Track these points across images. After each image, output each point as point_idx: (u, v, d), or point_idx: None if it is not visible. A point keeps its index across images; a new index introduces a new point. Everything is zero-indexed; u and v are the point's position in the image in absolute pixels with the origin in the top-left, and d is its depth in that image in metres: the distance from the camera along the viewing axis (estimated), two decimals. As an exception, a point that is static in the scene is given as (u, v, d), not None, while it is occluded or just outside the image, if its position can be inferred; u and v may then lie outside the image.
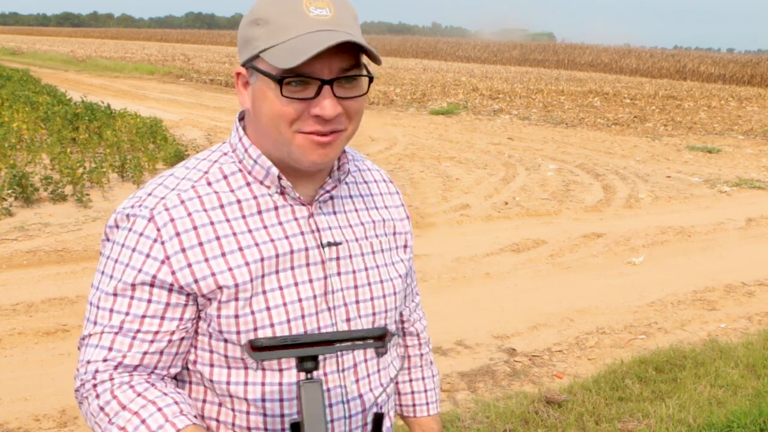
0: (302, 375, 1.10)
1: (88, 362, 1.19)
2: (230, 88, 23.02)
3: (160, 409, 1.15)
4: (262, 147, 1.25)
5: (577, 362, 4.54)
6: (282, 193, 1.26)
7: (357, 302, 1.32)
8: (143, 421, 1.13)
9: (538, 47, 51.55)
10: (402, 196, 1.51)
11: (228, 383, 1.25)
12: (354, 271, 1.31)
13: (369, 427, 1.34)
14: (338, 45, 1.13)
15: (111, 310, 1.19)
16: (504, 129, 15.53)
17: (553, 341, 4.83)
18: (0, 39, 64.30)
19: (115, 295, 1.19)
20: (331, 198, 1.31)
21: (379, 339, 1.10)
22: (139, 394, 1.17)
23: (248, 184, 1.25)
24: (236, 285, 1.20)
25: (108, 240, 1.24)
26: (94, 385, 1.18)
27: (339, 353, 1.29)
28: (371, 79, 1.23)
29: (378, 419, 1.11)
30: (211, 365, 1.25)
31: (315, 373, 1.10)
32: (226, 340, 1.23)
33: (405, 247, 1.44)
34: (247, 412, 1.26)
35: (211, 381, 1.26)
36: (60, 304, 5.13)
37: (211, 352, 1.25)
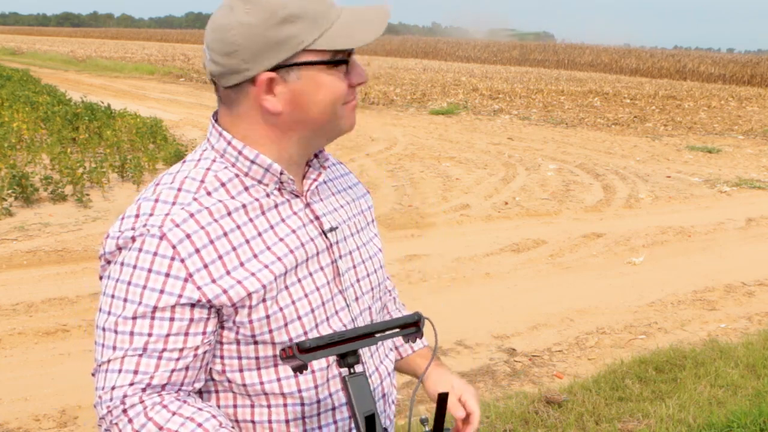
0: (344, 370, 1.12)
1: (113, 388, 1.15)
2: (230, 88, 23.00)
3: (200, 425, 1.14)
4: (258, 146, 1.24)
5: (577, 362, 4.54)
6: (279, 189, 1.27)
7: (359, 280, 1.36)
8: None
9: (538, 47, 51.56)
10: (355, 175, 1.54)
11: (261, 383, 1.26)
12: (350, 252, 1.35)
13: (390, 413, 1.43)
14: None
15: (131, 333, 1.15)
16: (504, 129, 15.53)
17: (553, 341, 4.83)
18: (0, 39, 64.28)
19: (134, 318, 1.15)
20: (317, 186, 1.34)
21: (414, 325, 1.15)
22: (174, 413, 1.15)
23: (246, 189, 1.24)
24: (264, 287, 1.20)
25: (111, 263, 1.19)
26: (124, 410, 1.15)
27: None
28: None
29: (443, 399, 1.21)
30: (241, 370, 1.25)
31: (356, 367, 1.12)
32: (256, 342, 1.23)
33: (372, 221, 1.49)
34: (285, 405, 1.27)
35: (244, 385, 1.25)
36: (60, 304, 5.13)
37: (240, 358, 1.25)
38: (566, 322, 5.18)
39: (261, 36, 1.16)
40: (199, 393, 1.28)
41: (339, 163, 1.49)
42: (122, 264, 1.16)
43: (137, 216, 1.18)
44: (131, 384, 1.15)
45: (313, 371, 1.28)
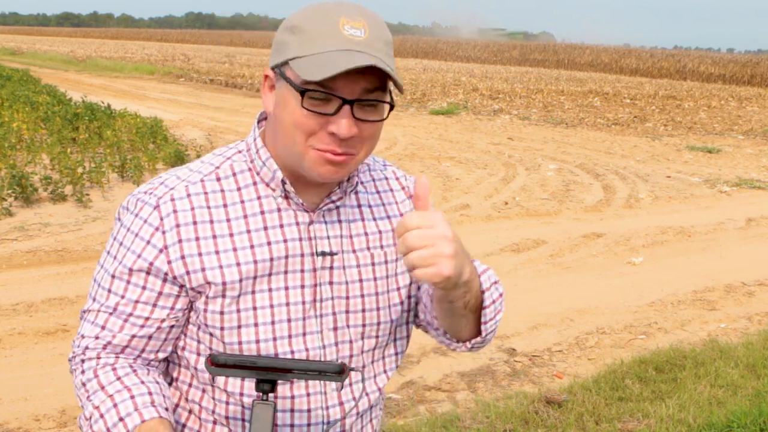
0: (258, 394, 1.13)
1: (83, 337, 1.26)
2: (230, 88, 23.04)
3: (132, 397, 1.20)
4: (274, 150, 1.26)
5: (577, 362, 4.54)
6: (286, 198, 1.27)
7: (347, 312, 1.32)
8: (114, 405, 1.19)
9: (538, 47, 51.57)
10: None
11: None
12: (347, 282, 1.32)
13: None
14: (365, 68, 1.14)
15: (108, 291, 1.25)
16: (504, 129, 15.53)
17: (553, 341, 4.83)
18: (0, 39, 64.32)
19: (113, 277, 1.24)
20: (337, 207, 1.32)
21: (337, 374, 1.11)
22: (118, 378, 1.23)
23: (255, 183, 1.28)
24: (224, 283, 1.23)
25: (118, 220, 1.29)
26: (82, 361, 1.26)
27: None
28: (392, 107, 1.24)
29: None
30: (198, 354, 1.29)
31: (270, 394, 1.12)
32: (211, 334, 1.27)
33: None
34: (227, 402, 1.30)
35: (196, 369, 1.30)
36: (60, 304, 5.13)
37: (198, 342, 1.29)
38: (566, 322, 5.18)
39: (278, 34, 1.23)
40: (166, 362, 1.34)
41: (400, 189, 1.42)
42: (121, 225, 1.27)
43: (154, 184, 1.28)
44: (96, 337, 1.25)
45: None
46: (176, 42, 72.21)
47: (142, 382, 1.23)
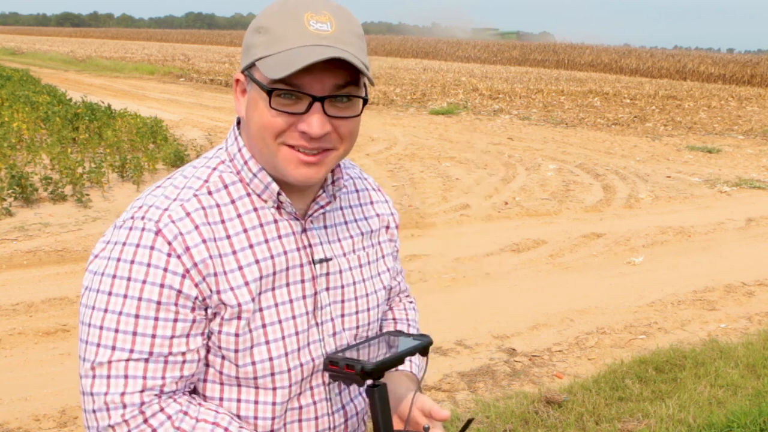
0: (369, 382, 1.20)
1: (123, 394, 1.12)
2: (230, 88, 23.02)
3: (226, 429, 1.17)
4: (258, 159, 1.22)
5: (577, 362, 4.54)
6: (278, 208, 1.24)
7: (342, 316, 1.32)
8: None
9: (538, 47, 51.56)
10: (392, 204, 1.49)
11: (221, 399, 1.24)
12: (342, 286, 1.32)
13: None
14: (334, 62, 1.11)
15: (134, 334, 1.12)
16: (504, 129, 15.53)
17: (553, 341, 4.83)
18: (0, 39, 64.30)
19: (137, 316, 1.12)
20: (324, 212, 1.30)
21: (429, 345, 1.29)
22: (197, 419, 1.16)
23: (248, 194, 1.23)
24: (239, 305, 1.18)
25: (102, 258, 1.16)
26: (146, 420, 1.13)
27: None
28: (365, 101, 1.21)
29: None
30: (205, 380, 1.24)
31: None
32: (223, 357, 1.21)
33: (391, 254, 1.45)
34: None
35: (204, 396, 1.24)
36: (60, 304, 5.13)
37: (207, 366, 1.23)
38: (566, 322, 5.18)
39: (246, 37, 1.20)
40: None
41: (377, 190, 1.44)
42: (117, 260, 1.14)
43: (139, 207, 1.18)
44: (142, 391, 1.13)
45: (273, 403, 1.25)
46: (176, 42, 72.22)
47: (218, 412, 1.19)
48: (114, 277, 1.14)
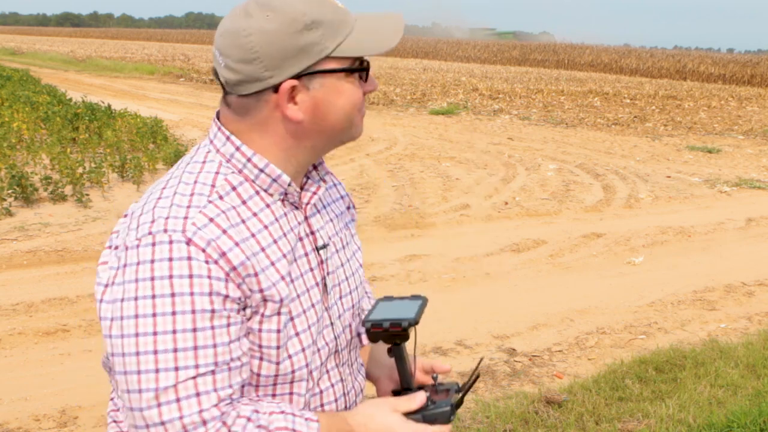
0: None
1: (201, 412, 1.08)
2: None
3: (293, 413, 1.17)
4: (267, 154, 1.22)
5: (577, 362, 4.54)
6: (282, 200, 1.25)
7: (341, 297, 1.36)
8: (294, 430, 1.15)
9: (538, 47, 51.55)
10: (344, 187, 1.53)
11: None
12: (336, 269, 1.35)
13: None
14: None
15: (195, 348, 1.08)
16: (504, 129, 15.53)
17: (553, 341, 4.83)
18: (0, 39, 64.30)
19: (194, 330, 1.08)
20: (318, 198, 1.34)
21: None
22: (269, 413, 1.16)
23: (257, 192, 1.21)
24: (281, 300, 1.18)
25: (125, 282, 1.10)
26: (230, 430, 1.11)
27: (340, 348, 1.35)
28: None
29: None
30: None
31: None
32: (261, 358, 1.20)
33: (355, 235, 1.50)
34: None
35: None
36: (60, 304, 5.13)
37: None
38: (566, 322, 5.18)
39: (283, 43, 1.14)
40: None
41: (330, 173, 1.46)
42: (152, 278, 1.08)
43: (152, 222, 1.12)
44: (218, 403, 1.10)
45: (305, 393, 1.27)
46: (176, 42, 72.17)
47: (274, 402, 1.20)
48: (153, 297, 1.08)
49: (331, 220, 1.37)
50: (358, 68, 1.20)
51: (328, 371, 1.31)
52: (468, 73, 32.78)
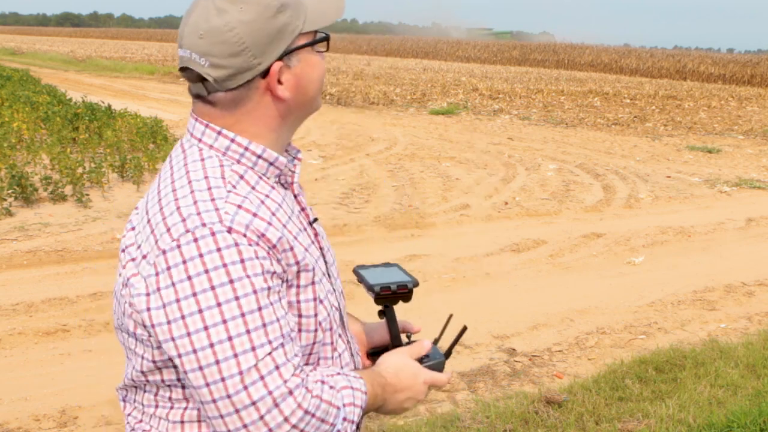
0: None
1: (285, 383, 1.13)
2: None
3: (346, 375, 1.27)
4: (260, 140, 1.27)
5: (577, 362, 4.54)
6: (277, 182, 1.31)
7: (332, 264, 1.44)
8: (352, 387, 1.25)
9: (538, 47, 51.54)
10: None
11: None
12: (323, 237, 1.43)
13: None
14: None
15: (264, 325, 1.13)
16: (504, 129, 15.53)
17: (553, 341, 4.83)
18: (0, 39, 64.27)
19: (259, 309, 1.13)
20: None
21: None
22: (330, 375, 1.24)
23: (260, 178, 1.26)
24: (313, 269, 1.25)
25: (176, 282, 1.12)
26: (311, 393, 1.17)
27: (343, 312, 1.42)
28: None
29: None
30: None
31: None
32: (300, 329, 1.25)
33: None
34: None
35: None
36: (60, 304, 5.13)
37: None
38: (566, 322, 5.18)
39: (263, 29, 1.20)
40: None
41: (298, 150, 1.55)
42: (206, 271, 1.11)
43: (183, 221, 1.14)
44: (294, 372, 1.15)
45: (332, 357, 1.36)
46: (176, 42, 72.11)
47: (327, 367, 1.31)
48: (213, 288, 1.11)
49: (303, 195, 1.45)
50: (325, 38, 1.29)
51: (340, 336, 1.37)
52: (468, 73, 32.77)
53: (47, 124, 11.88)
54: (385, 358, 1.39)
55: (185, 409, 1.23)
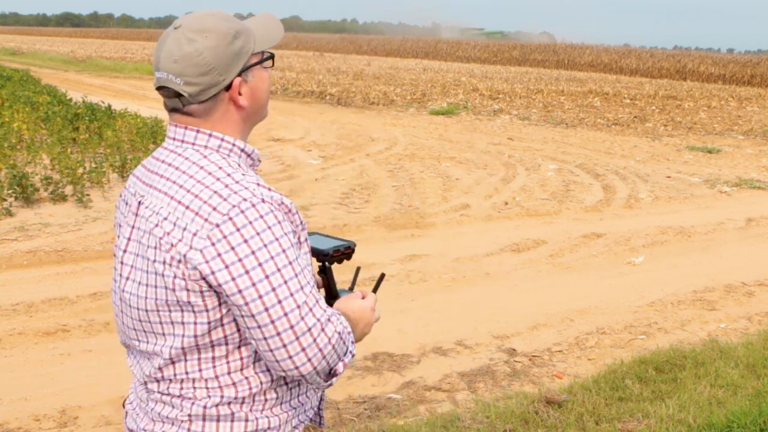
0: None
1: (324, 312, 1.47)
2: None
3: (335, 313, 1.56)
4: (243, 133, 1.58)
5: (577, 362, 4.54)
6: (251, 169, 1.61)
7: None
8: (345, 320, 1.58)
9: (538, 47, 51.53)
10: None
11: None
12: None
13: None
14: None
15: (303, 270, 1.46)
16: (504, 129, 15.53)
17: (553, 341, 4.83)
18: (0, 39, 64.28)
19: (297, 258, 1.45)
20: None
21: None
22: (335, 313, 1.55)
23: (250, 166, 1.58)
24: (305, 229, 1.57)
25: (248, 239, 1.40)
26: (336, 318, 1.51)
27: None
28: None
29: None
30: None
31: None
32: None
33: None
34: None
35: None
36: (60, 304, 5.13)
37: None
38: (566, 322, 5.18)
39: (226, 52, 1.50)
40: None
41: None
42: (257, 233, 1.41)
43: (225, 199, 1.42)
44: (324, 309, 1.48)
45: None
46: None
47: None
48: (265, 246, 1.41)
49: None
50: (270, 56, 1.58)
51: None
52: (468, 73, 32.77)
53: (47, 124, 11.88)
54: (343, 303, 1.66)
55: (237, 360, 1.50)
